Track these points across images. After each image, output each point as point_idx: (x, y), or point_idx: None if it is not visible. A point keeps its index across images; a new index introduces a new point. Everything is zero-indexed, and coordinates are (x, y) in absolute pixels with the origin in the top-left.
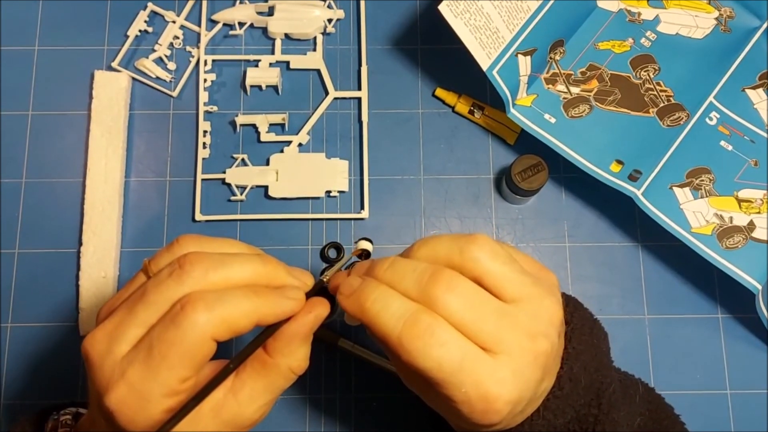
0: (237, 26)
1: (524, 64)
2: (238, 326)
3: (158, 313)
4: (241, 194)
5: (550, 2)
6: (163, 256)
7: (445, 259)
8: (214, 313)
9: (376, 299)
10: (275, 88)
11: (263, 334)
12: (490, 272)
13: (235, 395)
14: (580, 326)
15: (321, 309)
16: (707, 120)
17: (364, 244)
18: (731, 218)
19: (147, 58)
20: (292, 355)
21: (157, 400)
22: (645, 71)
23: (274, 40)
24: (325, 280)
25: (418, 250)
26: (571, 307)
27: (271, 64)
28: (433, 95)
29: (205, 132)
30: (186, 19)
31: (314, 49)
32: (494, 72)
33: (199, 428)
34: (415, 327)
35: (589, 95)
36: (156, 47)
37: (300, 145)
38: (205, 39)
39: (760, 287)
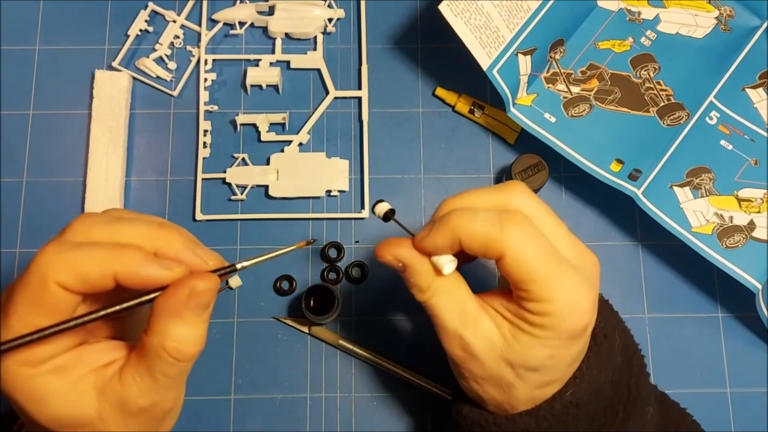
0: (237, 26)
1: (524, 63)
2: (87, 276)
3: None
4: (242, 194)
5: (551, 2)
6: None
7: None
8: (60, 256)
9: (462, 215)
10: (276, 87)
11: (126, 301)
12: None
13: (121, 377)
14: (601, 299)
15: (200, 282)
16: (707, 119)
17: (384, 206)
18: (731, 217)
19: (148, 57)
20: (164, 334)
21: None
22: (645, 70)
23: (274, 39)
24: (238, 267)
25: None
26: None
27: (271, 64)
28: (434, 94)
29: (205, 131)
30: (186, 18)
31: (314, 49)
32: (494, 71)
33: (82, 409)
34: (513, 218)
35: (590, 94)
36: (156, 47)
37: (300, 144)
38: (205, 38)
39: (760, 286)
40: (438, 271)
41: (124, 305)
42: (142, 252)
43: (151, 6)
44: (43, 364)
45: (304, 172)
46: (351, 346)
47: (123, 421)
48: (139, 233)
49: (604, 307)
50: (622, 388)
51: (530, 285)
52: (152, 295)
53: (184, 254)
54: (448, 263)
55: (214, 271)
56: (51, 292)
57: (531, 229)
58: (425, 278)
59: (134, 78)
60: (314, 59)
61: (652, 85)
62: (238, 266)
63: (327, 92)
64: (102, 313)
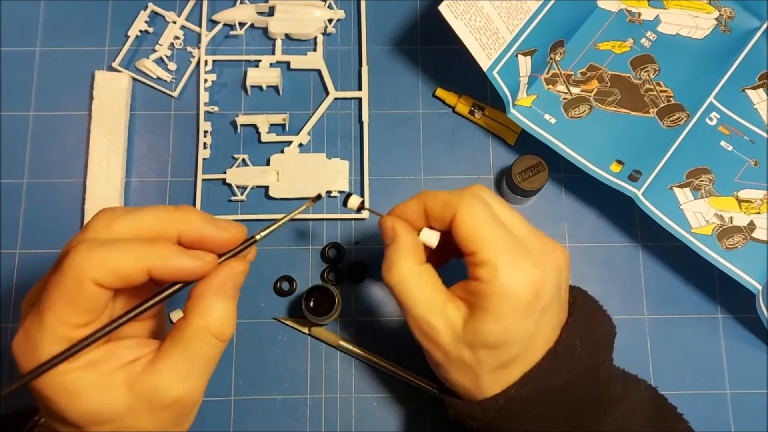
0: (237, 26)
1: (524, 64)
2: (123, 272)
3: None
4: (242, 194)
5: (551, 3)
6: None
7: None
8: (94, 254)
9: (430, 190)
10: (276, 88)
11: (161, 292)
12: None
13: (152, 365)
14: (582, 306)
15: (237, 264)
16: (707, 120)
17: (356, 199)
18: (731, 218)
19: (148, 58)
20: (206, 314)
21: (45, 346)
22: (645, 71)
23: (274, 40)
24: (258, 238)
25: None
26: (575, 292)
27: (271, 65)
28: (434, 95)
29: (205, 132)
30: (186, 19)
31: (315, 50)
32: (494, 72)
33: (110, 402)
34: (471, 190)
35: (590, 95)
36: (156, 47)
37: (300, 145)
38: (205, 39)
39: (760, 287)
40: (426, 249)
41: (161, 296)
42: (173, 245)
43: (151, 7)
44: (76, 360)
45: (305, 173)
46: (351, 347)
47: (153, 414)
48: (159, 219)
49: (579, 316)
50: (587, 396)
51: (477, 245)
52: (185, 283)
53: (206, 229)
54: (432, 236)
55: (233, 251)
56: (87, 290)
57: (484, 200)
58: (405, 254)
59: (134, 79)
60: (314, 60)
61: (652, 86)
62: (258, 237)
63: (327, 93)
64: (142, 308)
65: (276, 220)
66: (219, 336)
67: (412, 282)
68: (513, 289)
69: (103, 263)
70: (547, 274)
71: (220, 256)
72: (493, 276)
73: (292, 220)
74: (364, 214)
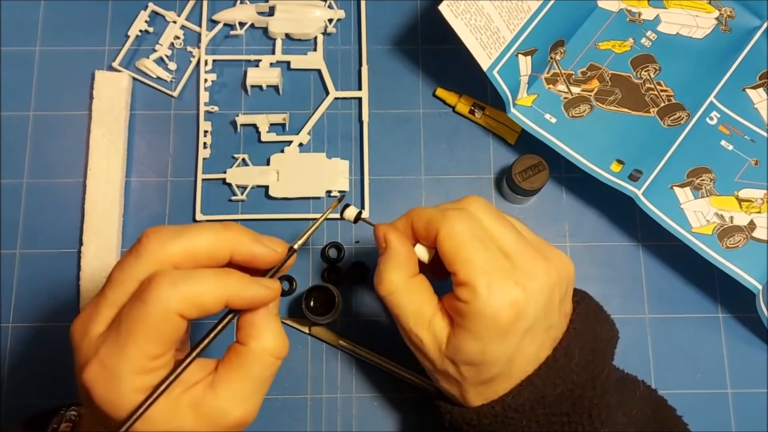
0: (238, 26)
1: (525, 64)
2: (204, 304)
3: (125, 292)
4: (242, 194)
5: (551, 2)
6: None
7: None
8: (178, 288)
9: (418, 207)
10: (276, 88)
11: (222, 320)
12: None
13: (214, 389)
14: (584, 313)
15: (275, 284)
16: (708, 120)
17: (353, 210)
18: (732, 218)
19: (148, 58)
20: (262, 337)
21: (127, 378)
22: (645, 71)
23: (274, 40)
24: (296, 248)
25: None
26: (578, 297)
27: (271, 64)
28: (434, 95)
29: (205, 132)
30: (187, 19)
31: (315, 49)
32: (495, 72)
33: (177, 424)
34: (456, 207)
35: (590, 95)
36: (157, 47)
37: (301, 145)
38: (205, 39)
39: (760, 287)
40: (419, 262)
41: (226, 322)
42: (245, 275)
43: (152, 6)
44: (152, 389)
45: (305, 173)
46: (351, 346)
47: None
48: (211, 240)
49: (580, 324)
50: (581, 406)
51: (457, 266)
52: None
53: (256, 248)
54: (425, 251)
55: (277, 267)
56: (172, 324)
57: (468, 217)
58: (395, 266)
59: (134, 79)
60: (314, 60)
61: (652, 86)
62: (296, 247)
63: (327, 93)
64: (212, 335)
65: (307, 229)
66: (277, 355)
67: (402, 295)
68: (492, 311)
69: (188, 297)
70: (531, 295)
71: (265, 272)
72: (472, 298)
73: (293, 220)
74: (365, 214)
